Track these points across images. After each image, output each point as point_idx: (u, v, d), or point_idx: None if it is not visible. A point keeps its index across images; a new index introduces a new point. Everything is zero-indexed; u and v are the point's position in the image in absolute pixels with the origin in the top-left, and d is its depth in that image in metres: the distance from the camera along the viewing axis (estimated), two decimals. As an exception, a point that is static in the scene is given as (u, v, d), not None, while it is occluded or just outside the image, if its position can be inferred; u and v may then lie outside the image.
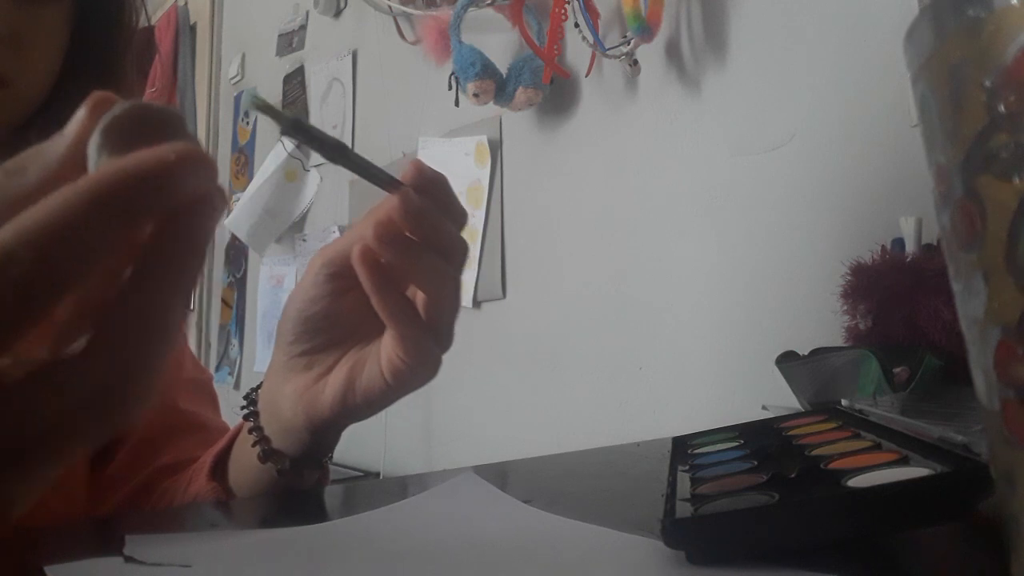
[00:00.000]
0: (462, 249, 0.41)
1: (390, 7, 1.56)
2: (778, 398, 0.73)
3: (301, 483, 0.50)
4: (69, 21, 0.50)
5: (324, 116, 1.91)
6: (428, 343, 0.42)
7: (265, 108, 0.30)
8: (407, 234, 0.39)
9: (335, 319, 0.44)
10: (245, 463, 0.49)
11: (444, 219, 0.40)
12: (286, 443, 0.47)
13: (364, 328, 0.44)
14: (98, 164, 0.21)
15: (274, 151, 1.95)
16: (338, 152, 0.34)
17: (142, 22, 0.58)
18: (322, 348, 0.45)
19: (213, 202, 0.21)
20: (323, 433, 0.47)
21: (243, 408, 0.49)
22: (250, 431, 0.48)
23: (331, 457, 0.51)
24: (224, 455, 0.52)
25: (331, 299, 0.44)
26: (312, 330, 0.45)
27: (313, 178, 1.90)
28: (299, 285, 0.45)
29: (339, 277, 0.43)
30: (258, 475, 0.49)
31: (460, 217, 0.41)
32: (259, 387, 0.49)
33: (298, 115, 0.25)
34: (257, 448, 0.47)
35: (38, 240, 0.18)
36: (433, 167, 0.40)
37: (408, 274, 0.40)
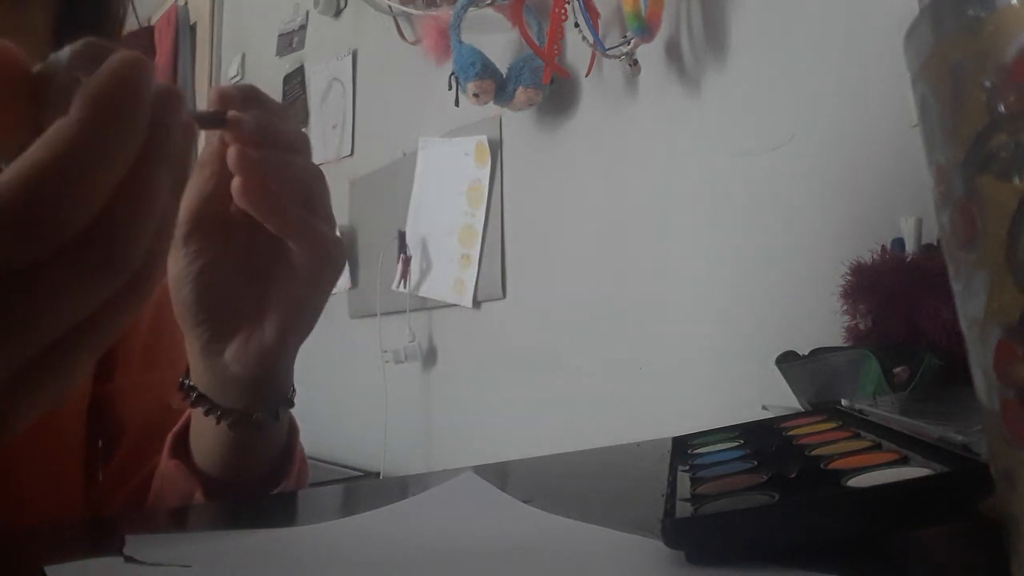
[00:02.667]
0: (303, 139, 0.44)
1: (390, 7, 1.56)
2: (778, 398, 0.73)
3: (279, 428, 0.50)
4: (53, 16, 0.50)
5: (324, 116, 1.91)
6: (327, 233, 0.44)
7: None
8: (255, 152, 0.40)
9: (228, 276, 0.45)
10: (205, 429, 0.49)
11: (276, 120, 0.41)
12: (246, 401, 0.47)
13: (258, 262, 0.45)
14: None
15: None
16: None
17: (129, 15, 0.58)
18: (234, 308, 0.45)
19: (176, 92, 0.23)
20: (275, 366, 0.47)
21: (185, 399, 0.49)
22: (206, 413, 0.48)
23: (295, 392, 0.51)
24: (183, 433, 0.52)
25: (214, 264, 0.44)
26: (214, 300, 0.45)
27: (313, 178, 1.90)
28: (173, 275, 0.45)
29: (207, 236, 0.44)
30: (221, 436, 0.48)
31: (281, 111, 0.43)
32: (187, 376, 0.49)
33: None
34: (223, 424, 0.47)
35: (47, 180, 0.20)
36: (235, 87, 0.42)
37: (280, 182, 0.41)
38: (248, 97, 0.41)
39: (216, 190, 0.42)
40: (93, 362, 0.23)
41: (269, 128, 0.41)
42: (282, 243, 0.43)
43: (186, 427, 0.52)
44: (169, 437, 0.52)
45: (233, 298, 0.45)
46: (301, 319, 0.46)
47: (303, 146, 0.43)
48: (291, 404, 0.50)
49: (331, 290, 0.46)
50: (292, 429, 0.53)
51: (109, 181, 0.21)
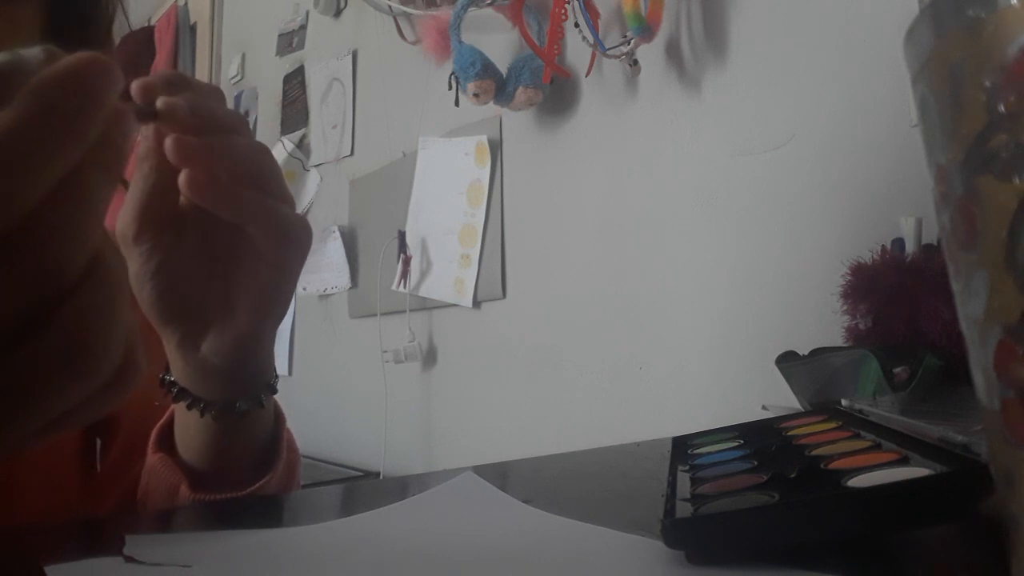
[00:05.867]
0: (241, 119, 0.42)
1: (390, 7, 1.56)
2: (778, 398, 0.73)
3: (263, 416, 0.49)
4: (44, 15, 0.50)
5: (324, 116, 1.91)
6: (285, 213, 0.42)
7: None
8: (194, 139, 0.38)
9: (189, 269, 0.43)
10: (188, 422, 0.48)
11: (210, 102, 0.40)
12: (228, 391, 0.46)
13: (220, 251, 0.43)
14: None
15: (273, 151, 1.95)
16: None
17: (119, 14, 0.58)
18: (202, 301, 0.44)
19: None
20: (254, 354, 0.46)
21: (166, 394, 0.48)
22: (189, 407, 0.47)
23: (277, 378, 0.50)
24: (168, 427, 0.51)
25: (171, 259, 0.42)
26: (179, 297, 0.43)
27: (313, 178, 1.90)
28: (132, 275, 0.43)
29: (159, 232, 0.42)
30: (204, 428, 0.47)
31: (213, 92, 0.41)
32: (167, 371, 0.48)
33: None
34: (207, 416, 0.46)
35: None
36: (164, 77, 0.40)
37: (225, 166, 0.39)
38: (173, 83, 0.39)
39: (158, 185, 0.41)
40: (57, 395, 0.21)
41: (204, 111, 0.39)
42: (241, 229, 0.42)
43: (171, 421, 0.51)
44: (154, 431, 0.51)
45: (198, 292, 0.44)
46: (273, 304, 0.44)
47: (242, 125, 0.41)
48: (274, 390, 0.49)
49: (300, 270, 0.44)
50: (278, 417, 0.52)
51: (40, 178, 0.19)
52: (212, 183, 0.39)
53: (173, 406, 0.50)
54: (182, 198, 0.42)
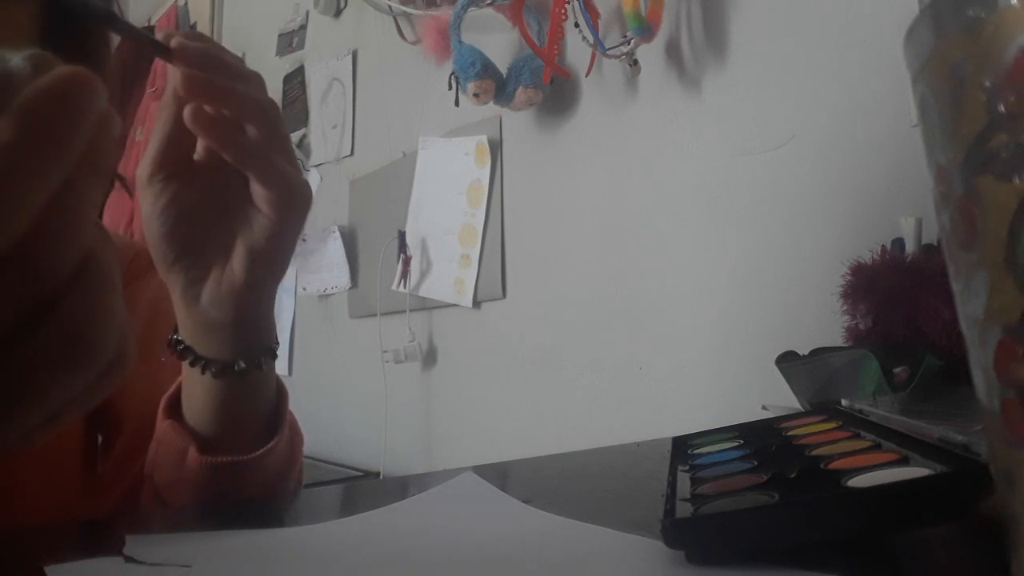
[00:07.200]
0: (256, 75, 0.44)
1: (390, 7, 1.56)
2: (778, 398, 0.73)
3: (265, 384, 0.51)
4: (40, 15, 0.50)
5: (324, 116, 1.91)
6: (287, 169, 0.44)
7: None
8: (203, 75, 0.41)
9: (196, 213, 0.46)
10: (195, 387, 0.50)
11: (223, 54, 0.42)
12: (228, 350, 0.49)
13: (227, 204, 0.46)
14: None
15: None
16: (104, 19, 0.36)
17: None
18: (204, 246, 0.47)
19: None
20: (251, 309, 0.48)
21: (172, 352, 0.50)
22: (192, 364, 0.49)
23: (278, 344, 0.52)
24: (176, 396, 0.53)
25: (179, 199, 0.45)
26: (184, 237, 0.46)
27: (313, 178, 1.90)
28: (144, 214, 0.46)
29: (172, 176, 0.45)
30: (209, 392, 0.49)
31: (232, 57, 0.43)
32: (176, 332, 0.50)
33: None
34: (208, 374, 0.48)
35: None
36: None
37: (231, 107, 0.42)
38: (195, 35, 0.42)
39: (175, 133, 0.44)
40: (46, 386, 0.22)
41: (216, 55, 0.41)
42: (248, 190, 0.44)
43: (179, 391, 0.53)
44: (162, 401, 0.53)
45: (201, 236, 0.46)
46: (270, 257, 0.47)
47: (256, 80, 0.44)
48: (274, 355, 0.51)
49: (299, 229, 0.47)
50: (281, 392, 0.54)
51: (33, 197, 0.20)
52: (218, 120, 0.42)
53: (179, 379, 0.52)
54: (196, 153, 0.45)
